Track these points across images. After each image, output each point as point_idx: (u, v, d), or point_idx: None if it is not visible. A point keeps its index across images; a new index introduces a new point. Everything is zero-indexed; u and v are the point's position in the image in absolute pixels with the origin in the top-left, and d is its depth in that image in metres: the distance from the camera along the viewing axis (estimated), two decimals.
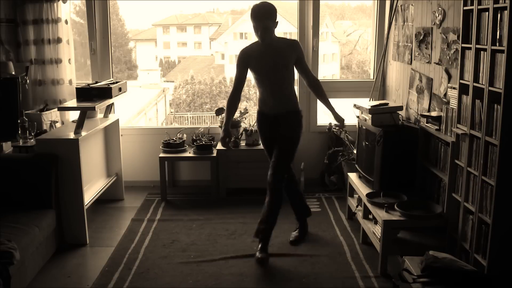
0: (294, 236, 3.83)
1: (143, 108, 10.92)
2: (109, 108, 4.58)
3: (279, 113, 3.55)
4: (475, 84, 2.80)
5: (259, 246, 3.53)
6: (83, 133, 3.83)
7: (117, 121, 4.66)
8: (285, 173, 3.61)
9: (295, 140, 3.59)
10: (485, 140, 2.68)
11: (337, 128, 3.69)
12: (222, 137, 3.47)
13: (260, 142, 3.84)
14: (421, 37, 3.83)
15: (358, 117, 4.16)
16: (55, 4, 4.51)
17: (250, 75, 3.61)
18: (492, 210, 2.63)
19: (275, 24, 3.43)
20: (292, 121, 3.58)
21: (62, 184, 3.66)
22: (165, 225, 4.14)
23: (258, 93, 3.68)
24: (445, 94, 3.39)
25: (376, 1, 5.03)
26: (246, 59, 3.51)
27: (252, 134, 4.78)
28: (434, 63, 3.62)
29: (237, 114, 4.78)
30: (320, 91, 3.66)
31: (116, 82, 4.38)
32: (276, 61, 3.46)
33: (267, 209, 3.49)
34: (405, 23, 4.25)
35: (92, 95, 4.03)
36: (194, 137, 4.89)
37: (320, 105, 5.11)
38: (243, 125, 4.90)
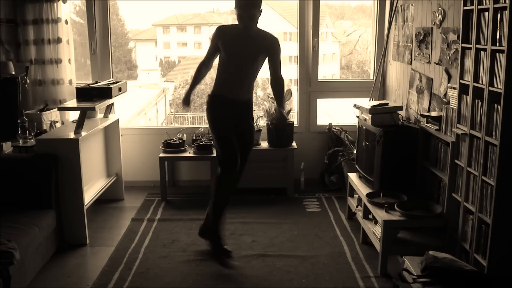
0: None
1: (143, 108, 10.90)
2: (109, 108, 4.58)
3: (242, 100, 3.55)
4: (475, 84, 2.80)
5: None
6: (83, 133, 3.83)
7: (117, 121, 4.66)
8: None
9: (253, 131, 3.77)
10: (485, 140, 2.68)
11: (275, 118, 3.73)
12: (182, 103, 3.63)
13: (214, 126, 3.53)
14: (421, 37, 3.83)
15: (358, 117, 4.15)
16: (55, 4, 4.51)
17: None
18: (492, 210, 2.63)
19: (260, 13, 3.41)
20: (249, 111, 3.64)
21: (62, 184, 3.66)
22: (165, 225, 4.14)
23: (219, 76, 3.56)
24: (445, 94, 3.39)
25: (376, 1, 5.02)
26: (220, 37, 3.49)
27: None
28: (434, 63, 3.62)
29: None
30: (280, 91, 3.61)
31: (116, 82, 4.38)
32: (250, 50, 3.44)
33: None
34: (405, 23, 4.25)
35: (92, 95, 4.03)
36: (194, 137, 4.89)
37: (320, 105, 5.13)
38: None
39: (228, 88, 3.52)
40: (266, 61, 3.56)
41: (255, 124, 4.60)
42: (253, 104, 3.71)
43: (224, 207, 3.51)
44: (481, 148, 2.73)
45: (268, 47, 3.48)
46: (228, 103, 3.52)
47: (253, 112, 3.72)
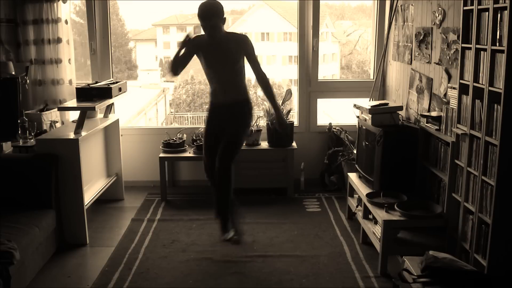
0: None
1: (143, 108, 10.90)
2: (109, 108, 4.58)
3: (228, 103, 3.62)
4: (475, 84, 2.80)
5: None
6: (83, 133, 3.83)
7: (117, 121, 4.66)
8: (231, 162, 3.60)
9: (242, 130, 3.68)
10: (485, 140, 2.68)
11: (274, 127, 3.73)
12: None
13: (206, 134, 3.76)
14: (421, 37, 3.83)
15: (358, 117, 4.15)
16: (55, 4, 4.51)
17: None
18: (492, 210, 2.63)
19: (223, 21, 3.47)
20: (240, 110, 3.64)
21: (62, 184, 3.66)
22: (165, 225, 4.14)
23: (209, 83, 3.71)
24: (445, 94, 3.39)
25: (376, 1, 5.02)
26: (195, 46, 3.57)
27: (252, 134, 4.78)
28: (434, 63, 3.62)
29: None
30: (266, 88, 3.62)
31: (116, 82, 4.38)
32: (224, 56, 3.51)
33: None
34: (405, 23, 4.25)
35: (92, 95, 4.04)
36: (194, 137, 4.89)
37: (320, 105, 5.13)
38: None
39: (214, 94, 3.68)
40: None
41: (254, 124, 4.66)
42: (252, 104, 3.74)
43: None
44: (481, 148, 2.73)
45: (240, 46, 3.54)
46: (216, 109, 3.69)
47: (249, 113, 3.69)
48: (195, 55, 3.63)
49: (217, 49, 3.52)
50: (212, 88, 3.69)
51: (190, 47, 3.59)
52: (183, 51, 3.57)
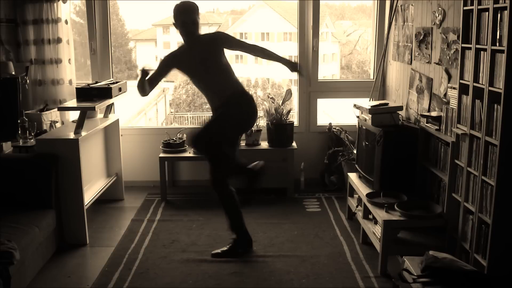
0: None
1: (143, 108, 10.90)
2: (109, 108, 4.58)
3: (223, 102, 3.47)
4: (475, 84, 2.80)
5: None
6: (83, 133, 3.83)
7: (117, 121, 4.66)
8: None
9: (234, 116, 3.50)
10: (485, 140, 2.68)
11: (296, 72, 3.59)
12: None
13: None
14: (421, 37, 3.83)
15: (358, 117, 4.15)
16: (55, 4, 4.51)
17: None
18: (492, 210, 2.63)
19: (199, 20, 3.47)
20: (235, 101, 3.47)
21: (62, 184, 3.66)
22: (165, 225, 4.14)
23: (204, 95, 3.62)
24: (445, 94, 3.39)
25: (376, 1, 5.03)
26: (172, 61, 3.54)
27: (252, 134, 4.78)
28: (434, 63, 3.62)
29: None
30: (263, 51, 3.54)
31: (116, 82, 4.38)
32: (203, 57, 3.46)
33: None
34: (405, 23, 4.25)
35: (92, 95, 4.04)
36: None
37: (320, 105, 5.13)
38: None
39: (210, 100, 3.57)
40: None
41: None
42: (249, 94, 3.61)
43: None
44: (481, 148, 2.73)
45: (217, 43, 3.47)
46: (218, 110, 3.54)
47: (244, 101, 3.53)
48: (178, 70, 3.55)
49: (196, 52, 3.45)
50: (206, 96, 3.59)
51: (164, 66, 3.54)
52: (151, 72, 3.50)
